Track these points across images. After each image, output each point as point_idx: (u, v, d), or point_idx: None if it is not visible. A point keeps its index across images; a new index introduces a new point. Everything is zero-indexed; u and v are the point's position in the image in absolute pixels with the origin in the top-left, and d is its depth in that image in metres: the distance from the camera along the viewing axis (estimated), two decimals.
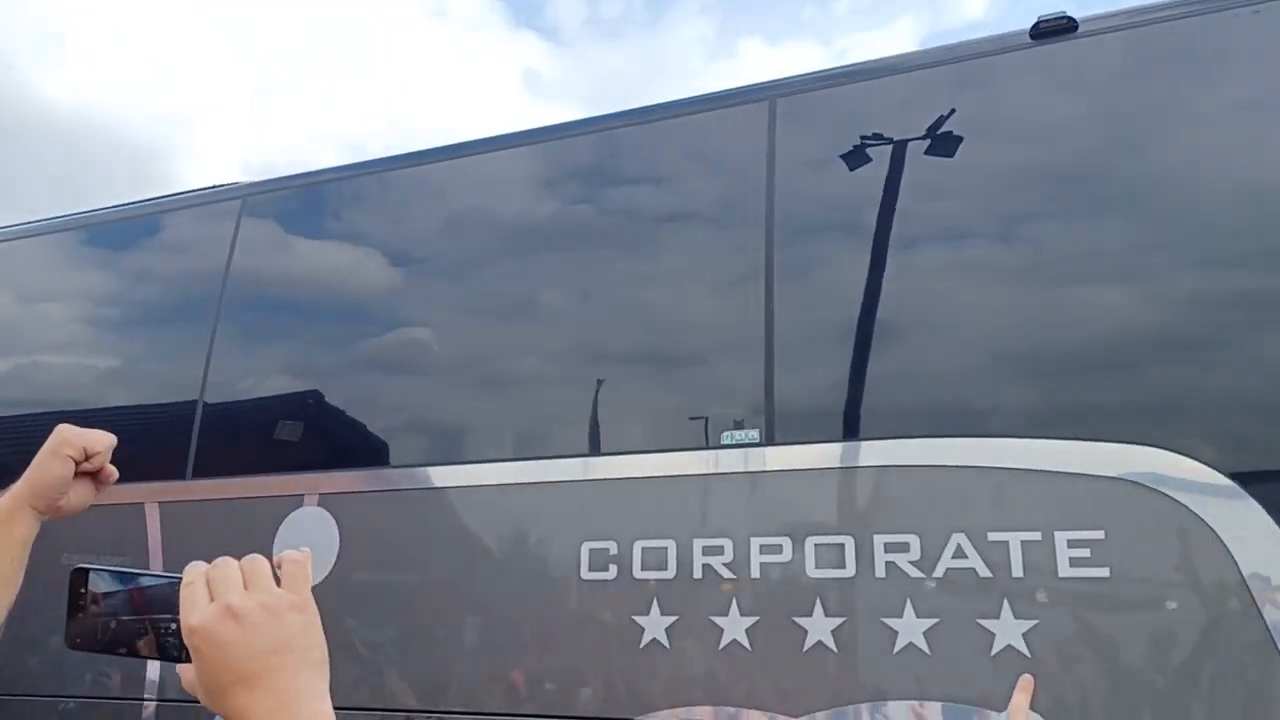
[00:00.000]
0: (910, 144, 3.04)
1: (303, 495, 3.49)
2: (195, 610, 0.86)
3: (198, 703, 0.88)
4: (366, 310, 3.76)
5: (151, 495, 3.73)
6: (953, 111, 3.02)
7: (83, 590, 0.94)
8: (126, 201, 4.49)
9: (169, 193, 4.36)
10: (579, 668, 3.00)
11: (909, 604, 2.62)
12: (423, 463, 3.39)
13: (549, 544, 3.12)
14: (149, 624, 0.93)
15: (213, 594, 0.87)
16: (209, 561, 0.90)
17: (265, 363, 3.89)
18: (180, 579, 0.89)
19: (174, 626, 0.89)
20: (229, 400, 3.87)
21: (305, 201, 4.10)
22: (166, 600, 0.91)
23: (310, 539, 3.44)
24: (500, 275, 3.57)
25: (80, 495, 1.51)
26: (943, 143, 3.01)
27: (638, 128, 3.56)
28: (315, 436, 3.68)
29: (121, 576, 0.95)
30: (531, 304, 3.50)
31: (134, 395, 4.08)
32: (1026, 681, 1.39)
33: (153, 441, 3.92)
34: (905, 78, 3.17)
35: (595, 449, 3.21)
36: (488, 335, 3.54)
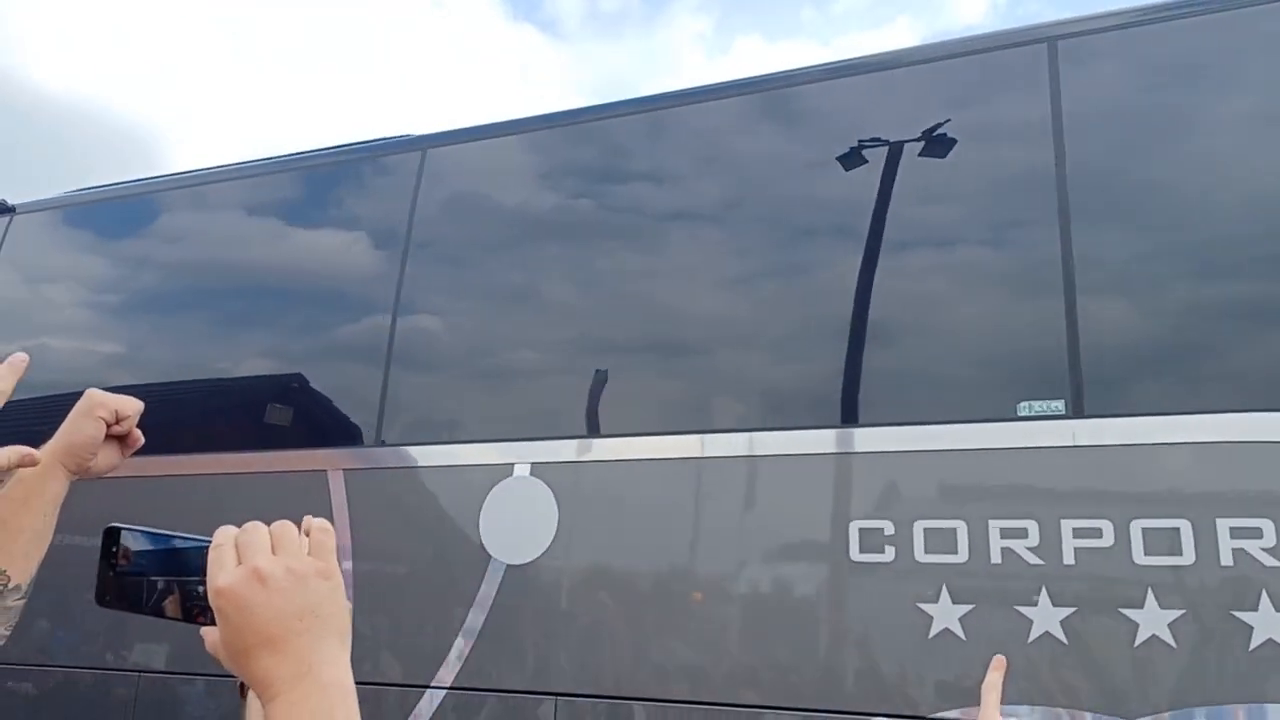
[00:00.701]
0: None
1: (512, 464, 3.22)
2: (222, 572, 0.86)
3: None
4: (589, 263, 3.48)
5: (335, 462, 3.47)
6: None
7: (114, 549, 0.95)
8: (305, 151, 4.23)
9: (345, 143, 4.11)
10: (846, 657, 2.72)
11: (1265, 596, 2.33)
12: (659, 430, 3.11)
13: (806, 522, 2.84)
14: (177, 585, 0.94)
15: (241, 557, 0.87)
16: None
17: (458, 321, 3.62)
18: (207, 541, 0.90)
19: (201, 589, 0.90)
20: (418, 362, 3.60)
21: (492, 153, 3.83)
22: (196, 563, 0.91)
23: (523, 510, 3.18)
24: (768, 226, 3.29)
25: (108, 457, 1.53)
26: None
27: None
28: (526, 401, 3.41)
29: (153, 537, 0.96)
30: (785, 270, 3.22)
31: (313, 356, 3.81)
32: (1000, 661, 1.41)
33: (335, 406, 3.66)
34: None
35: (852, 419, 2.93)
36: (741, 295, 3.24)
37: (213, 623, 0.88)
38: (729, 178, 3.42)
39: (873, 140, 3.13)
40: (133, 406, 1.53)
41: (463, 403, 3.51)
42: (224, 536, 0.90)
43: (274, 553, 0.88)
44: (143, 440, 1.56)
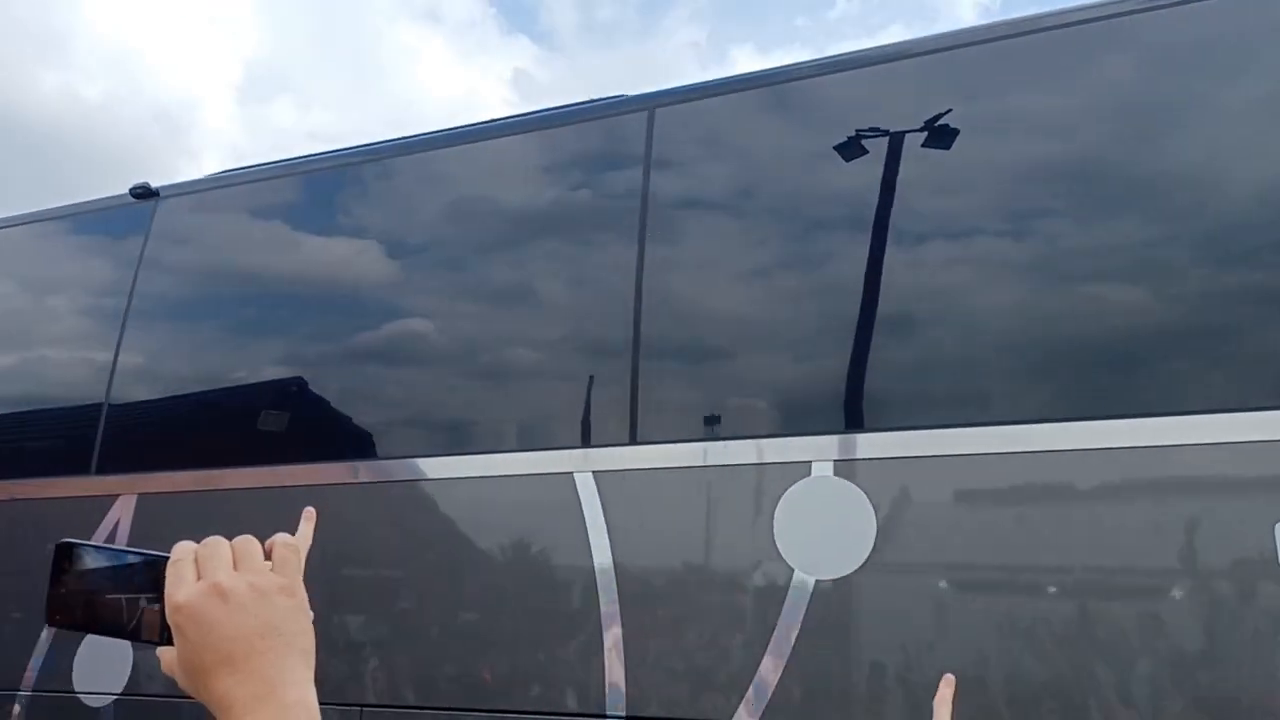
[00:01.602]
0: None
1: (809, 462, 2.76)
2: (182, 587, 0.83)
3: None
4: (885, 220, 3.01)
5: (582, 464, 3.01)
6: None
7: (66, 565, 0.90)
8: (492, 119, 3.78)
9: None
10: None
11: None
12: (1010, 419, 2.63)
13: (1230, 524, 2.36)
14: (132, 602, 0.88)
15: (201, 572, 0.84)
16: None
17: (721, 296, 3.15)
18: (164, 557, 0.87)
19: (158, 606, 0.86)
20: (675, 351, 3.13)
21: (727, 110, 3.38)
22: (152, 579, 0.87)
23: (826, 516, 2.71)
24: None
25: None
26: None
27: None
28: (824, 389, 2.94)
29: (107, 553, 0.91)
30: None
31: (547, 346, 3.35)
32: (950, 679, 1.39)
33: (579, 400, 3.20)
34: None
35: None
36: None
37: (170, 641, 0.84)
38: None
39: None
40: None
41: (739, 392, 3.04)
42: (183, 551, 0.86)
43: (236, 568, 0.85)
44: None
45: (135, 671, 3.48)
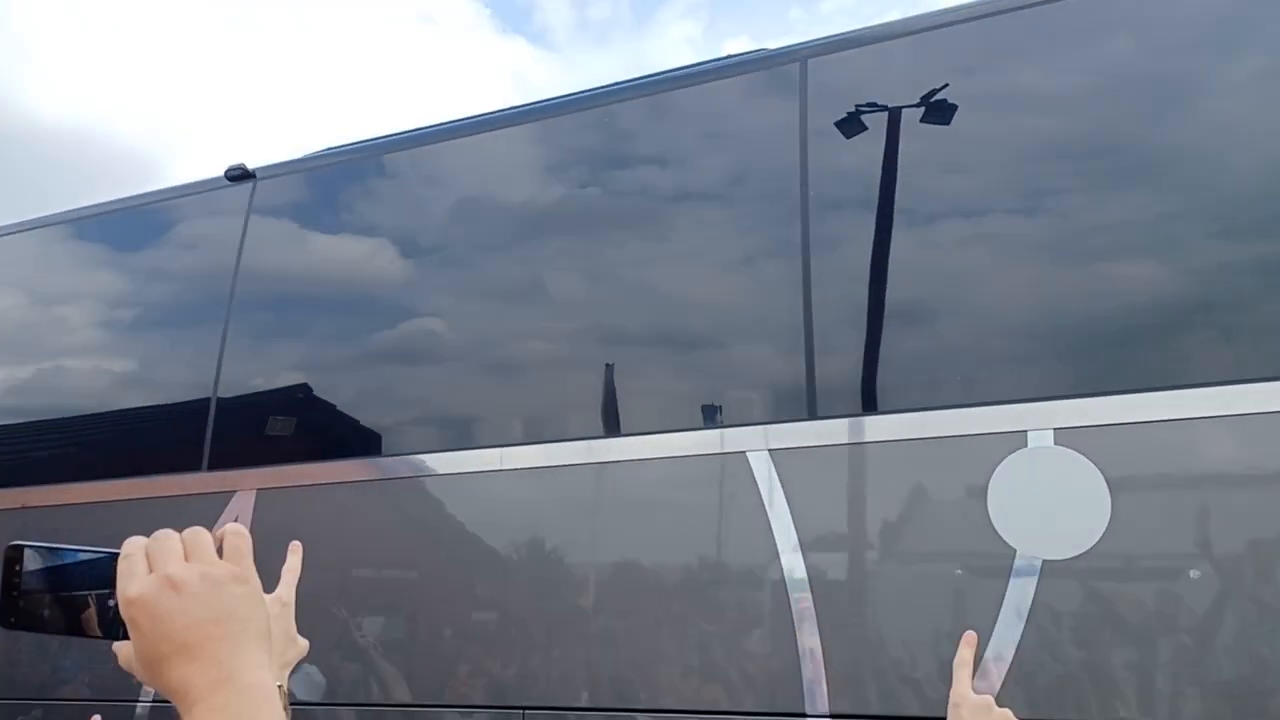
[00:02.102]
0: None
1: (1025, 431, 2.48)
2: (134, 581, 0.84)
3: None
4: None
5: (755, 441, 2.75)
6: None
7: (17, 568, 0.90)
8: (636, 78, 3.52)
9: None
10: None
11: None
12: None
13: None
14: (85, 600, 0.90)
15: (152, 565, 0.84)
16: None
17: (899, 260, 2.87)
18: (115, 553, 0.87)
19: (111, 603, 0.86)
20: (854, 316, 2.86)
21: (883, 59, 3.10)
22: (104, 576, 0.87)
23: (1049, 491, 2.44)
24: None
25: None
26: None
27: None
28: (1047, 353, 2.66)
29: (56, 552, 0.91)
30: None
31: (714, 317, 3.08)
32: (970, 637, 1.41)
33: (751, 376, 2.94)
34: None
35: None
36: None
37: (125, 636, 0.85)
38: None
39: None
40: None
41: (934, 359, 2.76)
42: (133, 546, 0.87)
43: (187, 559, 0.85)
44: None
45: None
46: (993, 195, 2.86)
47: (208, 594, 0.83)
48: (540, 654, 2.92)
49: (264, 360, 3.82)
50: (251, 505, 3.48)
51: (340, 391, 3.69)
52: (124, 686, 3.30)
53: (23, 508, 3.78)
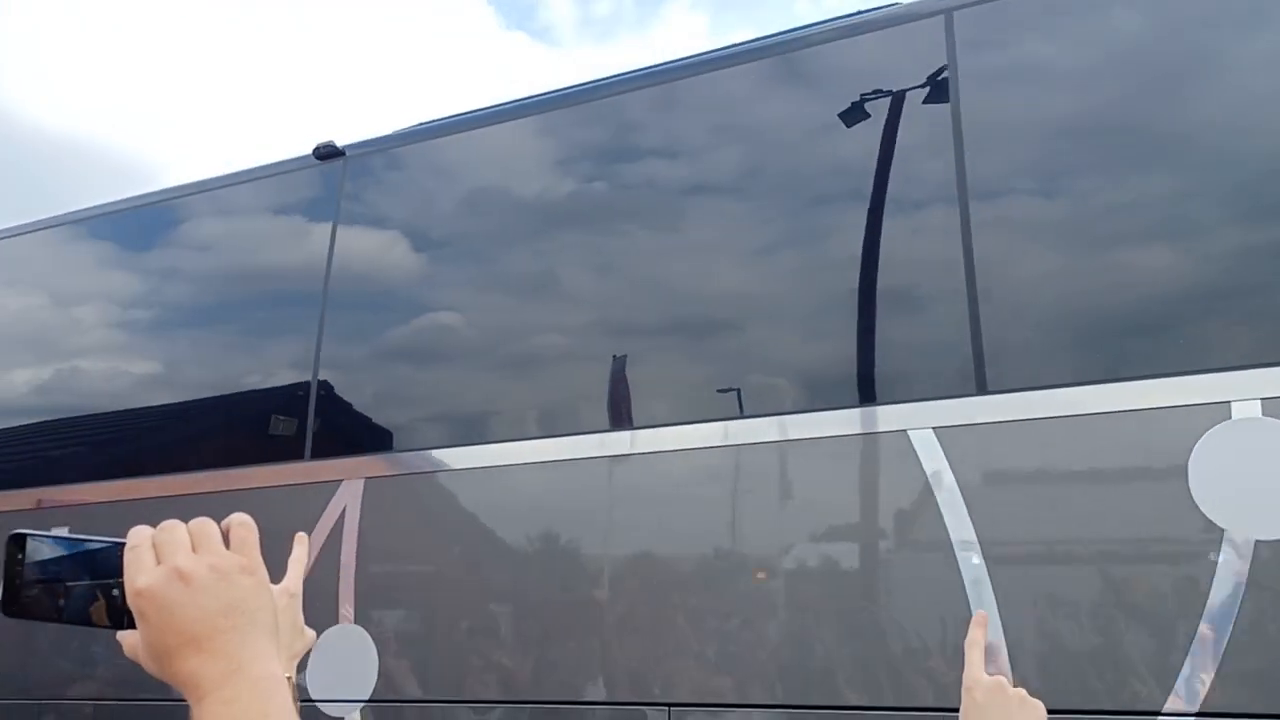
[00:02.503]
0: None
1: (1228, 402, 2.31)
2: (142, 573, 0.84)
3: None
4: None
5: (921, 419, 2.59)
6: None
7: (20, 557, 0.90)
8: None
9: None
10: None
11: None
12: None
13: None
14: (89, 590, 0.90)
15: (159, 557, 0.85)
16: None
17: (1069, 219, 2.69)
18: (119, 543, 0.88)
19: (116, 592, 0.88)
20: (1023, 282, 2.68)
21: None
22: (108, 566, 0.88)
23: (1259, 465, 2.26)
24: None
25: None
26: None
27: None
28: (1252, 317, 2.48)
29: (61, 542, 0.91)
30: None
31: (871, 285, 2.91)
32: (981, 617, 1.40)
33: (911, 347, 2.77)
34: None
35: None
36: None
37: (130, 626, 0.85)
38: None
39: None
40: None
41: (1117, 327, 2.59)
42: (139, 537, 0.87)
43: (194, 551, 0.85)
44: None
45: (384, 678, 3.12)
46: (1169, 151, 2.68)
47: (216, 585, 0.83)
48: (689, 650, 2.76)
49: (365, 345, 3.67)
50: (360, 494, 3.34)
51: (445, 376, 3.54)
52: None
53: (123, 500, 3.65)
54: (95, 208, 4.46)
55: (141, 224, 4.29)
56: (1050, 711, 1.39)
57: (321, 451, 3.49)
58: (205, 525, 0.88)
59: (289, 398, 3.64)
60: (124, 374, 4.14)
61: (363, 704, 3.13)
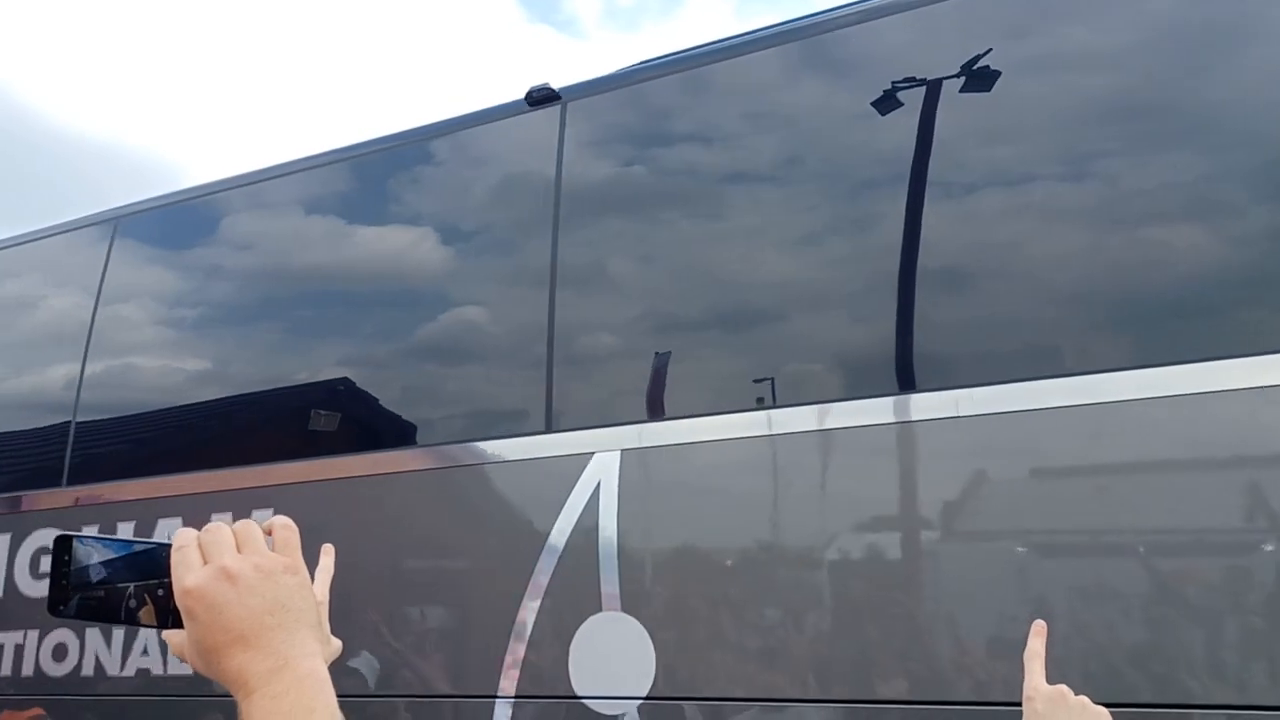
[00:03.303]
0: None
1: None
2: (190, 573, 0.87)
3: None
4: None
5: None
6: None
7: (66, 558, 0.93)
8: None
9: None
10: None
11: None
12: None
13: None
14: (137, 590, 0.93)
15: (206, 557, 0.88)
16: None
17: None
18: (165, 545, 0.92)
19: (161, 592, 0.91)
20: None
21: None
22: (153, 566, 0.92)
23: None
24: None
25: None
26: None
27: None
28: None
29: (106, 543, 0.94)
30: None
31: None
32: (1040, 627, 1.38)
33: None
34: None
35: None
36: None
37: (175, 626, 0.89)
38: None
39: None
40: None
41: None
42: (186, 538, 0.90)
43: (239, 551, 0.88)
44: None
45: (663, 671, 2.78)
46: None
47: (261, 585, 0.86)
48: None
49: (606, 301, 3.32)
50: (617, 468, 2.99)
51: (702, 336, 3.18)
52: None
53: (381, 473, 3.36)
54: (264, 170, 4.15)
55: (354, 172, 3.98)
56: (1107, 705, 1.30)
57: (567, 423, 3.16)
58: (249, 527, 0.90)
59: (522, 363, 3.32)
60: (327, 342, 3.84)
61: (640, 701, 2.80)
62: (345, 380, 3.75)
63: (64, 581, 0.93)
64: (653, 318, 3.24)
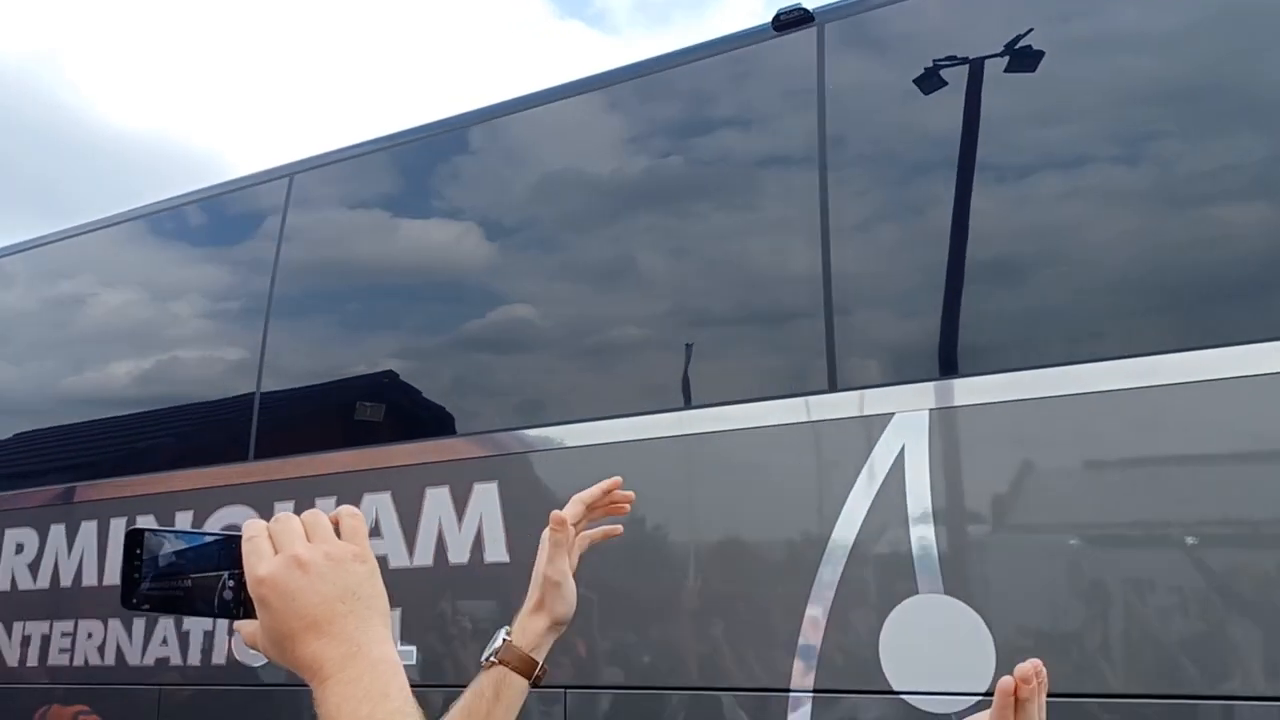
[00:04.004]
0: None
1: None
2: (262, 562, 0.89)
3: None
4: None
5: None
6: None
7: (138, 551, 0.95)
8: None
9: None
10: None
11: None
12: None
13: None
14: (205, 580, 0.95)
15: (276, 547, 0.90)
16: None
17: None
18: (234, 536, 0.93)
19: (232, 583, 0.93)
20: None
21: None
22: (222, 557, 0.94)
23: None
24: None
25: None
26: None
27: None
28: None
29: (176, 535, 0.97)
30: None
31: None
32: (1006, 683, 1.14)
33: None
34: None
35: None
36: None
37: (246, 615, 0.91)
38: None
39: None
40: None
41: None
42: (255, 529, 0.91)
43: (309, 540, 0.90)
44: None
45: (1006, 665, 2.39)
46: None
47: (332, 572, 0.88)
48: None
49: (891, 242, 2.92)
50: (925, 430, 2.60)
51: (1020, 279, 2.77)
52: None
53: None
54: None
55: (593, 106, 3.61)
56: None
57: (856, 380, 2.77)
58: (317, 516, 0.92)
59: (797, 312, 2.94)
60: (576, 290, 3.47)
61: (981, 698, 2.41)
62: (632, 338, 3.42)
63: (136, 575, 0.95)
64: (947, 262, 2.83)
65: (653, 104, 3.48)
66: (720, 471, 2.91)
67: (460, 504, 3.19)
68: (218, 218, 4.36)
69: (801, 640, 2.63)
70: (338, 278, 3.98)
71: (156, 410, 4.32)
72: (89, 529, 4.00)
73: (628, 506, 1.41)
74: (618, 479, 1.40)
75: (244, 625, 0.92)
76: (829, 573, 2.64)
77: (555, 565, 1.32)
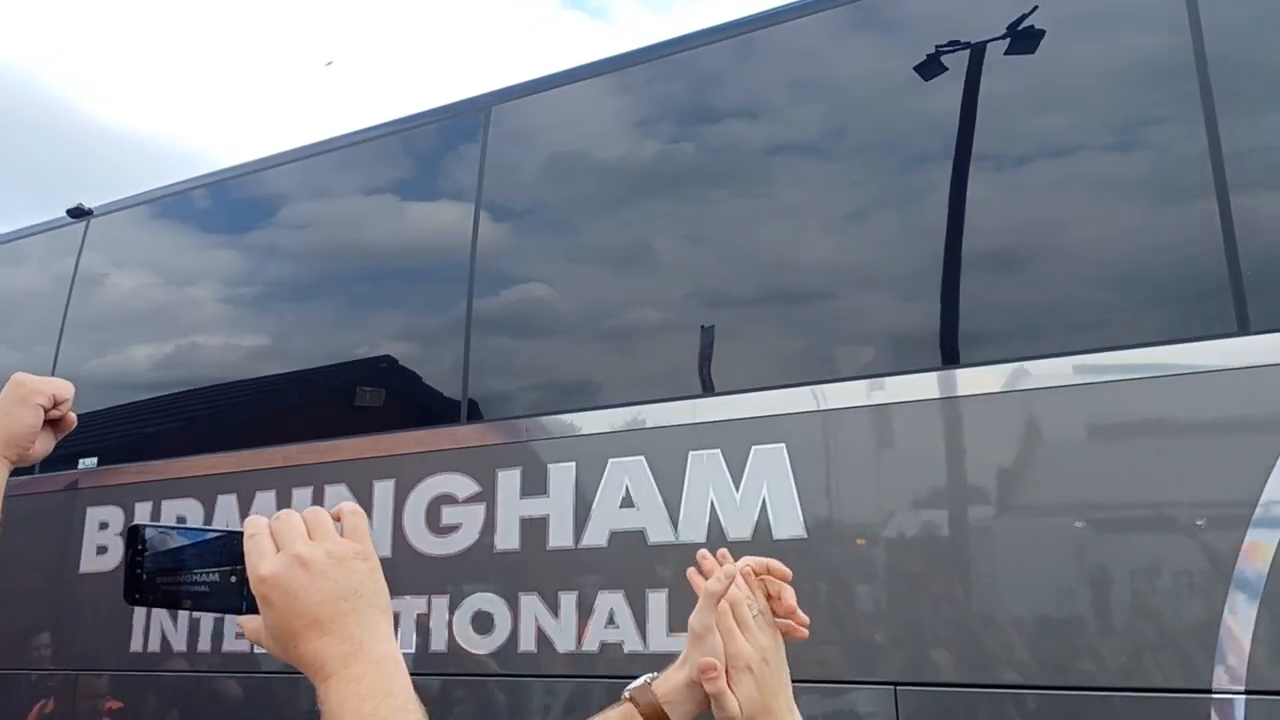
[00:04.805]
0: None
1: None
2: (264, 560, 0.88)
3: None
4: None
5: None
6: None
7: (140, 547, 0.95)
8: None
9: None
10: None
11: None
12: None
13: None
14: (207, 576, 0.94)
15: (278, 544, 0.89)
16: None
17: None
18: (235, 532, 0.93)
19: (234, 579, 0.92)
20: None
21: None
22: (225, 554, 0.93)
23: None
24: None
25: (44, 443, 1.52)
26: None
27: None
28: None
29: (177, 532, 0.96)
30: None
31: None
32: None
33: None
34: None
35: None
36: None
37: (247, 611, 0.91)
38: None
39: None
40: (68, 391, 1.51)
41: None
42: (257, 526, 0.91)
43: (310, 538, 0.90)
44: (75, 424, 1.54)
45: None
46: None
47: (334, 570, 0.87)
48: None
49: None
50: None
51: None
52: None
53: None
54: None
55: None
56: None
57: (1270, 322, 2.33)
58: (318, 514, 0.91)
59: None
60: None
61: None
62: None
63: (138, 570, 0.94)
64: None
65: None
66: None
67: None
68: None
69: (1222, 636, 2.20)
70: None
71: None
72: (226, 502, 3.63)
73: (805, 632, 1.20)
74: (786, 572, 1.21)
75: (247, 621, 0.92)
76: (1253, 550, 2.21)
77: (699, 616, 1.17)
